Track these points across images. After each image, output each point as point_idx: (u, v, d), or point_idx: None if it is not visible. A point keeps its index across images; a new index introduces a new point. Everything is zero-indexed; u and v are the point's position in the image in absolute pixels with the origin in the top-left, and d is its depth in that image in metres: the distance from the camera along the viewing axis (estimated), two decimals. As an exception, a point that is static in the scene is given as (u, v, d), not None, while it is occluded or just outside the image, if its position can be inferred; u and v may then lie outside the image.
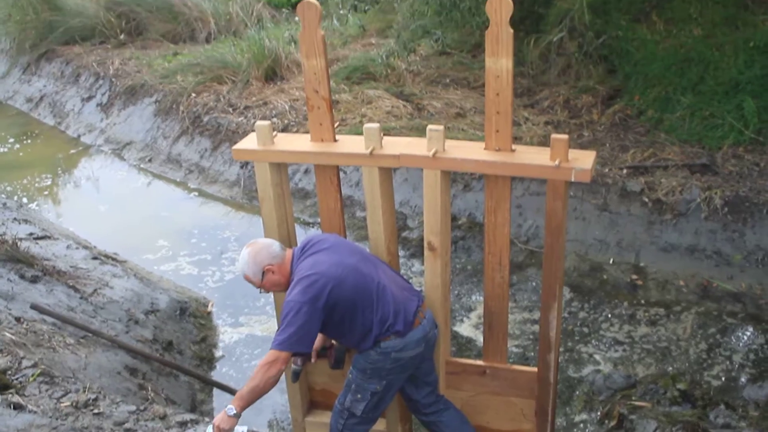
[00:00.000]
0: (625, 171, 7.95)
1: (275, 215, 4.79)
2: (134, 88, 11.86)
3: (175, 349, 6.52)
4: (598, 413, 5.85)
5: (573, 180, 4.14)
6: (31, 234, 7.85)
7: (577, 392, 6.14)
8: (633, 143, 8.34)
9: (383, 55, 10.58)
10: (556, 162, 4.13)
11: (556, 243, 4.37)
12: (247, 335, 7.16)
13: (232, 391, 6.28)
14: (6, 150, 11.72)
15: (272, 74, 11.28)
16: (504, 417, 5.00)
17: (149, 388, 5.65)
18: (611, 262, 7.54)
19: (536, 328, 6.88)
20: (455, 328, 7.04)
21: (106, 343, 5.85)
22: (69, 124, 12.35)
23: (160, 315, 6.76)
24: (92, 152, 11.52)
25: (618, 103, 8.97)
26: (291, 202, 4.94)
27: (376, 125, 4.48)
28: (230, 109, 10.65)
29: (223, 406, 6.19)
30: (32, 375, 4.81)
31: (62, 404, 4.61)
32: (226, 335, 7.17)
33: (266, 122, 4.69)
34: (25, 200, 10.09)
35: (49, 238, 7.90)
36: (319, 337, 4.72)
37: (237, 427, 4.31)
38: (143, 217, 9.38)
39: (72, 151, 11.58)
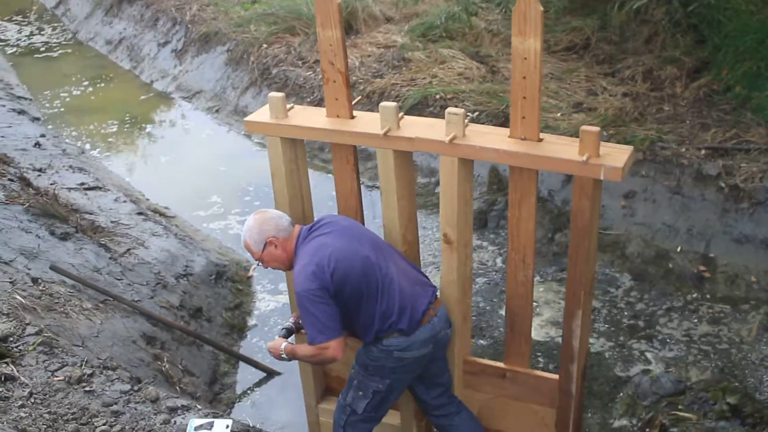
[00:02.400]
0: (703, 152, 7.31)
1: (287, 192, 4.47)
2: (208, 35, 11.63)
3: (203, 316, 6.31)
4: (640, 421, 5.40)
5: (602, 178, 3.69)
6: (82, 184, 7.74)
7: (621, 394, 5.68)
8: (715, 122, 7.66)
9: (459, 12, 10.08)
10: (585, 157, 3.67)
11: (582, 245, 3.94)
12: (284, 304, 6.88)
13: (256, 365, 6.05)
14: (79, 93, 11.67)
15: (347, 27, 10.88)
16: (524, 424, 4.61)
17: (164, 359, 5.45)
18: (679, 250, 6.96)
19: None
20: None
21: (126, 309, 5.67)
22: (143, 69, 12.22)
23: (192, 279, 6.55)
24: (162, 99, 11.37)
25: (704, 76, 8.26)
26: (307, 179, 4.61)
27: (392, 104, 4.09)
28: (300, 63, 10.32)
29: (248, 378, 6.08)
30: (33, 344, 4.64)
31: (56, 378, 4.43)
32: (263, 303, 6.93)
33: (280, 94, 4.35)
34: (88, 146, 10.02)
35: (100, 189, 7.77)
36: None
37: (221, 421, 4.05)
38: (201, 170, 9.15)
39: (143, 97, 11.45)
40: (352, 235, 4.17)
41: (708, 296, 6.55)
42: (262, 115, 4.40)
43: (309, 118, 4.36)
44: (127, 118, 10.83)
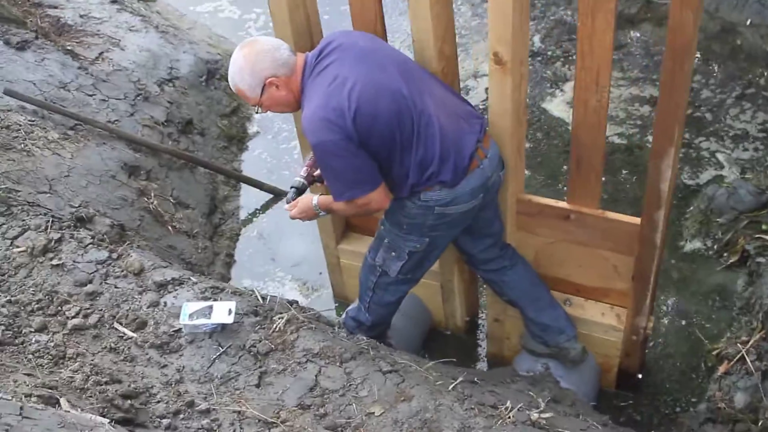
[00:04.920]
0: None
1: (286, -2, 3.42)
2: None
3: (195, 129, 5.36)
4: (716, 242, 4.59)
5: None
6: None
7: (692, 209, 4.84)
8: None
9: None
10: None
11: (679, 70, 2.94)
12: (289, 104, 5.94)
13: (260, 185, 5.20)
14: None
15: None
16: (591, 272, 3.80)
17: (152, 194, 4.58)
18: (748, 23, 5.84)
19: (647, 109, 5.48)
20: (545, 104, 5.68)
21: (102, 134, 4.72)
22: None
23: (179, 84, 5.54)
24: None
25: None
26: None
27: None
28: None
29: (252, 202, 5.25)
30: (-15, 202, 3.77)
31: (15, 250, 3.59)
32: (264, 104, 5.97)
33: None
34: None
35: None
36: None
37: (222, 304, 3.25)
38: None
39: None
40: (374, 60, 3.14)
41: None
42: None
43: None
44: None
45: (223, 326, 3.24)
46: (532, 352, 3.89)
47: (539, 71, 5.93)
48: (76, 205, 4.08)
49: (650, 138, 5.24)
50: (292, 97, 3.15)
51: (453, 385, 3.11)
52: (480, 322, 4.46)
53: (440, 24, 3.29)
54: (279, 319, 3.30)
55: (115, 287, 3.45)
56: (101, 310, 3.33)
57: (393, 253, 3.45)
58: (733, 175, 4.97)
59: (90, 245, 3.65)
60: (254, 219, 5.15)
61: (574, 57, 5.85)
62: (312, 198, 3.37)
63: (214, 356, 3.16)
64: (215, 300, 3.39)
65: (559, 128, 5.44)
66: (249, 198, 5.25)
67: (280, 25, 3.53)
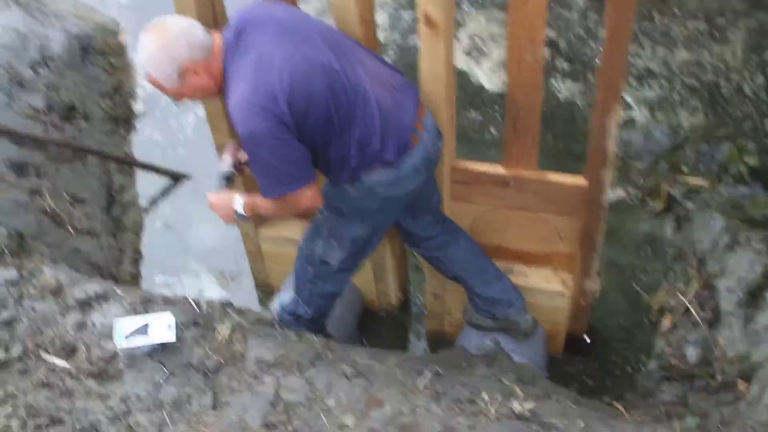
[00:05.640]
0: None
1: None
2: None
3: (79, 114, 4.91)
4: (639, 190, 4.54)
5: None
6: None
7: (608, 157, 4.77)
8: None
9: None
10: None
11: (623, 23, 2.82)
12: (175, 74, 5.54)
13: (156, 170, 4.83)
14: None
15: None
16: (531, 236, 3.68)
17: (45, 194, 4.17)
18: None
19: (546, 52, 5.36)
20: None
21: (-22, 131, 4.26)
22: None
23: (54, 66, 5.04)
24: None
25: None
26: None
27: None
28: None
29: (150, 188, 4.87)
30: None
31: None
32: (148, 78, 5.55)
33: None
34: None
35: None
36: None
37: (158, 316, 2.96)
38: None
39: None
40: (299, 32, 2.84)
41: (677, 12, 5.53)
42: None
43: None
44: None
45: (164, 344, 2.95)
46: (478, 326, 3.74)
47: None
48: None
49: (554, 82, 5.19)
50: (213, 83, 2.83)
51: (423, 383, 2.92)
52: (410, 298, 4.29)
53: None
54: (223, 328, 3.03)
55: (33, 310, 3.08)
56: (22, 339, 2.98)
57: (334, 242, 3.22)
58: (643, 116, 4.93)
59: (-4, 265, 3.27)
60: (156, 208, 4.79)
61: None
62: (233, 198, 3.07)
63: (160, 379, 2.86)
64: (147, 312, 3.09)
65: (462, 82, 5.27)
66: (146, 185, 4.86)
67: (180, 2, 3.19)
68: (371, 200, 3.04)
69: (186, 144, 5.08)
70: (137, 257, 4.53)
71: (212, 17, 3.25)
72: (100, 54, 5.49)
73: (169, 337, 2.90)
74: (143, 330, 2.93)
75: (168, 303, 3.18)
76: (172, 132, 5.17)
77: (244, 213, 3.03)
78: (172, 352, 2.94)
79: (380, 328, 4.15)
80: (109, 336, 2.98)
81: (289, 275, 4.05)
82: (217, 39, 2.83)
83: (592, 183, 3.31)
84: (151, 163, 4.84)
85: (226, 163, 3.20)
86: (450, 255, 3.53)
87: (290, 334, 3.14)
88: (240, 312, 3.25)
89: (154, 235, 4.64)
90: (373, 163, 2.93)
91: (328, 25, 3.02)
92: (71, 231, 4.14)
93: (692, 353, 3.60)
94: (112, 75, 5.40)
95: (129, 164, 4.86)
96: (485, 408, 2.74)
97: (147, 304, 3.13)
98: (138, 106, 5.37)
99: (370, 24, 3.22)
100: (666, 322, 3.92)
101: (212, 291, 4.36)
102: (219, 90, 2.88)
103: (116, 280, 4.18)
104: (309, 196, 2.87)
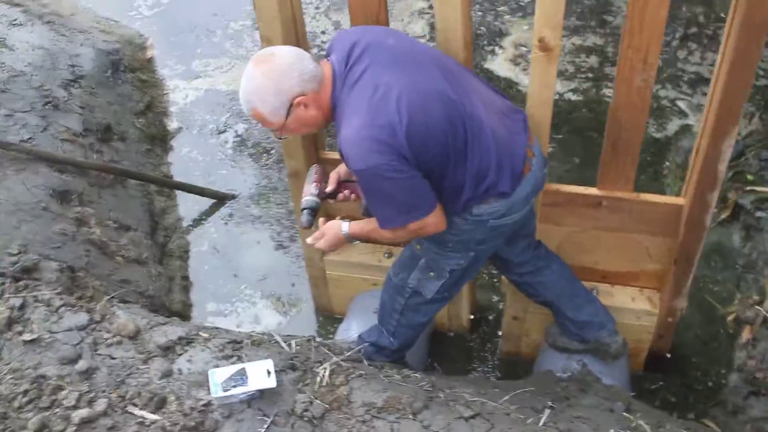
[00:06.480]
0: None
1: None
2: None
3: (115, 135, 4.68)
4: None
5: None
6: None
7: (668, 163, 4.62)
8: None
9: None
10: None
11: (755, 47, 2.67)
12: (207, 91, 5.32)
13: (200, 192, 4.61)
14: None
15: None
16: (619, 256, 3.53)
17: (91, 222, 3.94)
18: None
19: (594, 60, 5.19)
20: (487, 65, 5.30)
21: (18, 157, 4.00)
22: None
23: (86, 84, 4.80)
24: None
25: None
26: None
27: None
28: None
29: (194, 209, 4.66)
30: None
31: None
32: (179, 94, 5.32)
33: None
34: None
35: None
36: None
37: (258, 365, 2.74)
38: None
39: None
40: (412, 60, 2.66)
41: (723, 16, 5.37)
42: None
43: None
44: None
45: (262, 391, 2.74)
46: (564, 349, 3.57)
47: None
48: (15, 252, 3.41)
49: (606, 92, 5.01)
50: (321, 116, 2.65)
51: (542, 419, 2.74)
52: (479, 319, 4.12)
53: (465, 6, 2.87)
54: (322, 370, 2.82)
55: (111, 358, 2.86)
56: (104, 391, 2.75)
57: (432, 273, 3.03)
58: (698, 122, 4.76)
59: (62, 307, 3.03)
60: (201, 231, 4.56)
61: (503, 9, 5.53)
62: (341, 225, 2.89)
63: (261, 429, 2.66)
64: (236, 357, 2.88)
65: (510, 90, 5.09)
66: (188, 207, 4.65)
67: (267, 22, 3.00)
68: (478, 231, 2.86)
69: (226, 163, 4.86)
70: (186, 284, 4.31)
71: (295, 41, 3.05)
72: (129, 71, 5.26)
73: (270, 383, 2.69)
74: (240, 378, 2.71)
75: (254, 343, 2.97)
76: (210, 150, 4.94)
77: (353, 238, 2.91)
78: (270, 398, 2.73)
79: (448, 350, 3.98)
80: (199, 384, 2.77)
81: (352, 302, 3.88)
82: (327, 69, 2.64)
83: (696, 203, 3.16)
84: (195, 185, 4.61)
85: (309, 195, 2.99)
86: (544, 280, 3.35)
87: (392, 372, 2.94)
88: (328, 347, 3.05)
89: (202, 260, 4.41)
90: (487, 196, 2.75)
91: (437, 51, 2.87)
92: (119, 261, 3.91)
93: (777, 365, 3.46)
94: (143, 92, 5.18)
95: (174, 187, 4.63)
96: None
97: (237, 348, 2.92)
98: (172, 124, 5.14)
99: (470, 46, 3.05)
100: (745, 334, 3.78)
101: (269, 317, 4.15)
102: (325, 123, 2.71)
103: (168, 309, 3.99)
104: (433, 222, 2.71)
